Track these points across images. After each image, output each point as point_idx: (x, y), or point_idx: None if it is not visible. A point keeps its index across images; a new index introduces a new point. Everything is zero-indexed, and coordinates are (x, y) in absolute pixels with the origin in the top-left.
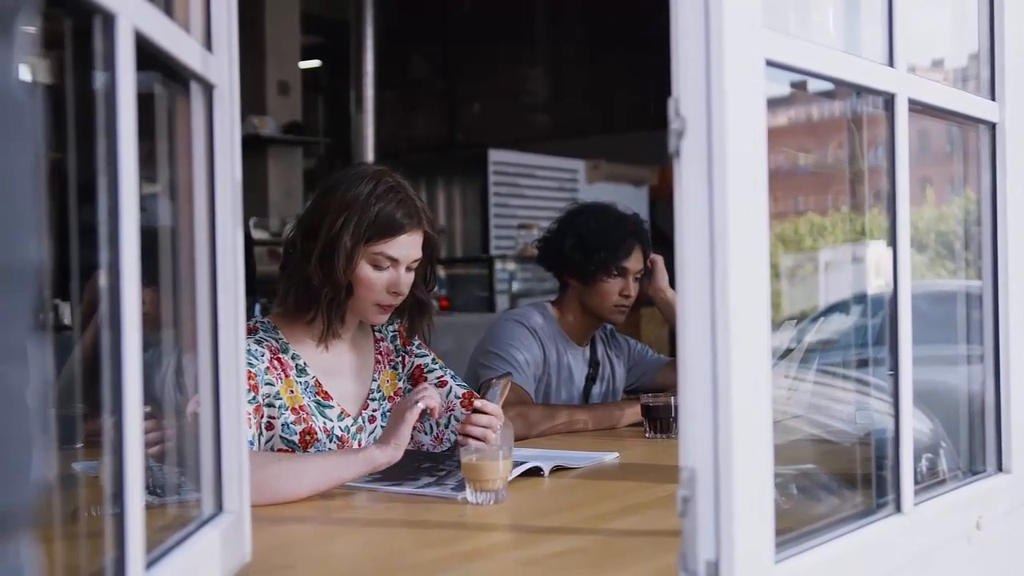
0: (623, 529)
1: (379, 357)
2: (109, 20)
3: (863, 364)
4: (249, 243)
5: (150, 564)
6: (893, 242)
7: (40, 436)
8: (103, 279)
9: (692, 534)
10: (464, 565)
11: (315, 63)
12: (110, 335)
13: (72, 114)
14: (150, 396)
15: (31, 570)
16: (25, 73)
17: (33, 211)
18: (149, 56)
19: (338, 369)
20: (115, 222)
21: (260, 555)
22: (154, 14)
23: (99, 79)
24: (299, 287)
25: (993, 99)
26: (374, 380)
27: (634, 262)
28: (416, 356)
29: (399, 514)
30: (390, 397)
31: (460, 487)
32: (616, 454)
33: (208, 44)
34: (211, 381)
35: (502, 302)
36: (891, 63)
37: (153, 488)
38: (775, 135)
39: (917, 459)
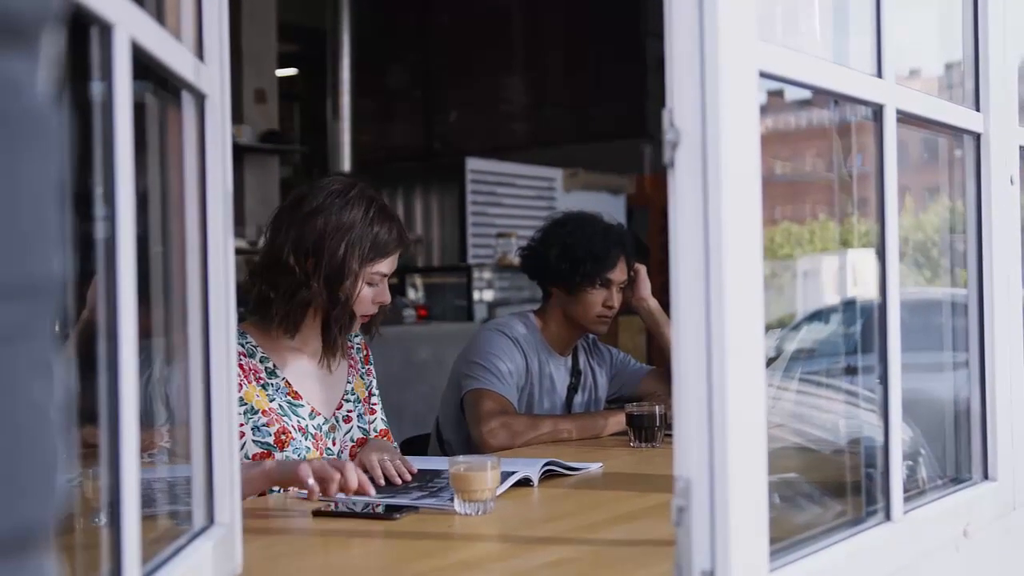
0: (613, 539)
1: (352, 362)
2: (106, 30)
3: (845, 372)
4: None
5: None
6: (882, 251)
7: (63, 450)
8: (100, 290)
9: (687, 544)
10: None
11: (292, 71)
12: (106, 346)
13: (66, 123)
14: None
15: None
16: (50, 85)
17: (57, 225)
18: (141, 65)
19: (311, 372)
20: (112, 231)
21: (251, 567)
22: (150, 24)
23: (95, 88)
24: (299, 308)
25: (977, 110)
26: (348, 382)
27: (619, 273)
28: (372, 377)
29: (388, 525)
30: (363, 400)
31: (445, 499)
32: (600, 464)
33: (200, 54)
34: (202, 393)
35: (480, 311)
36: (879, 74)
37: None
38: None
39: None
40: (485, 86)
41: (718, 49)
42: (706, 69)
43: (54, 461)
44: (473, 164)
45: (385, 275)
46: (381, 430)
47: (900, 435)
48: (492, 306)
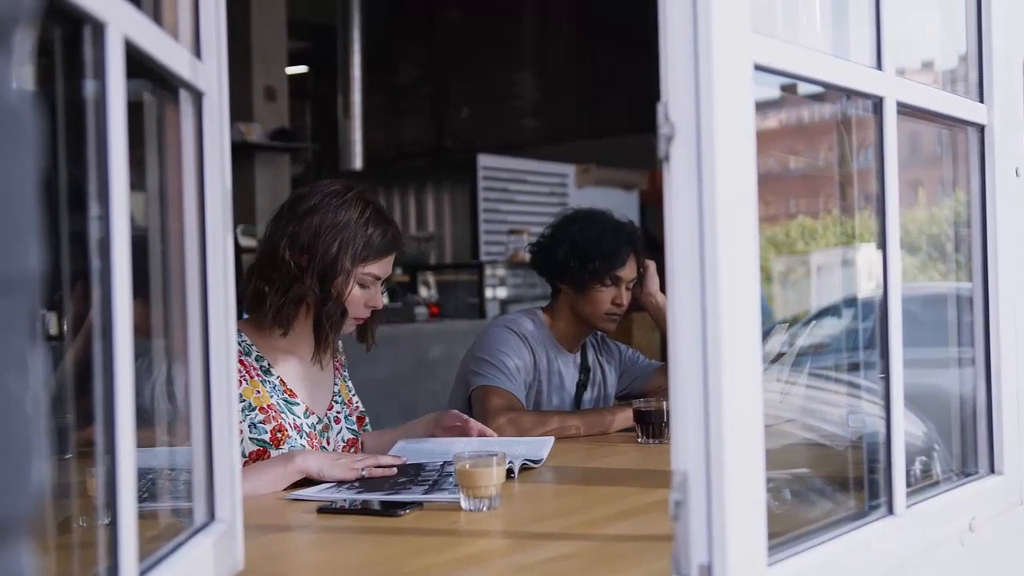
0: (616, 534)
1: (337, 366)
2: (99, 29)
3: (855, 367)
4: (237, 251)
5: (142, 573)
6: (883, 244)
7: (40, 444)
8: (95, 289)
9: (685, 537)
10: (459, 572)
11: (302, 68)
12: (102, 345)
13: (60, 122)
14: (140, 406)
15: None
16: (24, 82)
17: (33, 220)
18: (137, 64)
19: (302, 373)
20: (106, 230)
21: (252, 564)
22: (143, 22)
23: (88, 87)
24: (292, 303)
25: (982, 101)
26: (335, 384)
27: (628, 271)
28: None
29: (391, 521)
30: (347, 403)
31: (457, 490)
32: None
33: (197, 51)
34: (202, 390)
35: (492, 308)
36: (879, 66)
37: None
38: (764, 138)
39: (911, 462)
40: (495, 82)
41: (711, 42)
42: (700, 62)
43: (30, 454)
44: (485, 161)
45: (378, 277)
46: (349, 439)
47: (903, 428)
48: (504, 303)
